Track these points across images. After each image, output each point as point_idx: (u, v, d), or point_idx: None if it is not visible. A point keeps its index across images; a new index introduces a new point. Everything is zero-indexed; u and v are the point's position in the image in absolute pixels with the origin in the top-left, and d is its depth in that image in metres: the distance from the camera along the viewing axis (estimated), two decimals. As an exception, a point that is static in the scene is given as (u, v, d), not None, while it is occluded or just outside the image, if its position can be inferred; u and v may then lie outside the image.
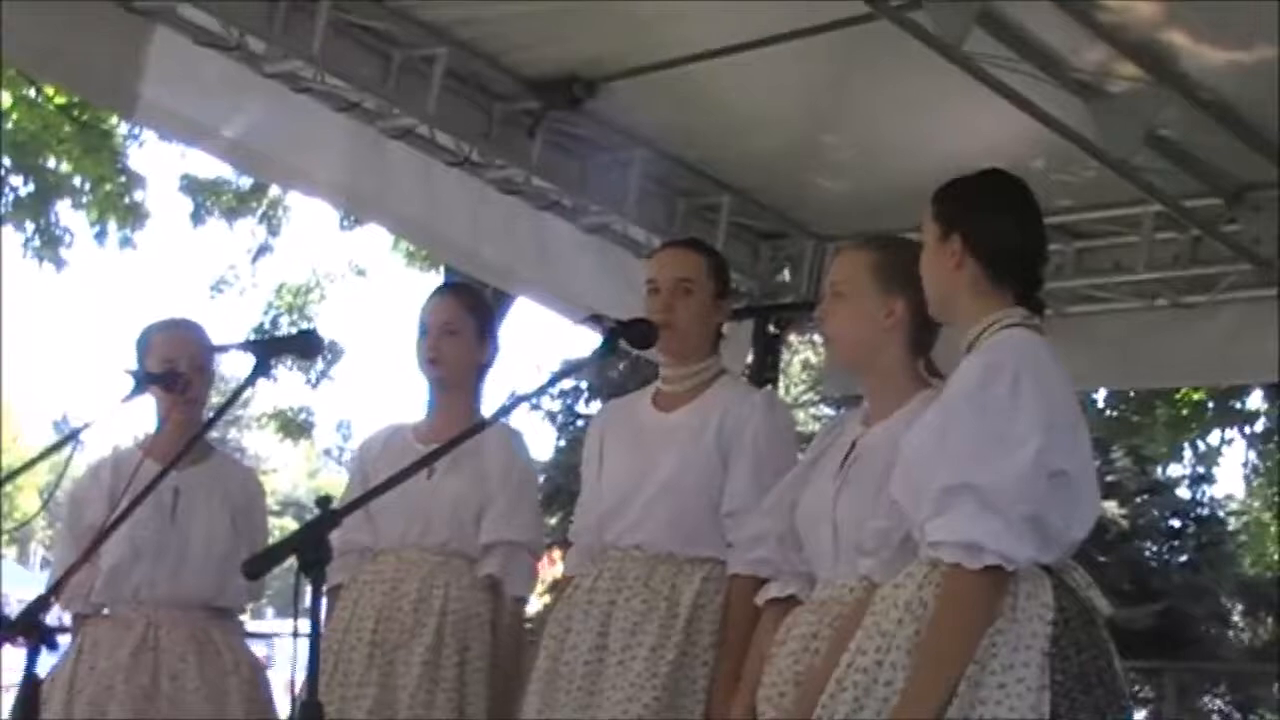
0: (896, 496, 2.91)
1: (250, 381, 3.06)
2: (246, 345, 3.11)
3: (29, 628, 2.68)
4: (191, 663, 4.08)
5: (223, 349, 3.16)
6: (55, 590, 2.99)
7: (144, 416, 4.20)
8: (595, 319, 3.25)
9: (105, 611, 4.16)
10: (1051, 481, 2.72)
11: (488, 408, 4.22)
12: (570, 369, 12.71)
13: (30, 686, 2.66)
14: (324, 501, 2.47)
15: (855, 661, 2.81)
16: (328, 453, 45.48)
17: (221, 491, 4.20)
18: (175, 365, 4.03)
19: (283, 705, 4.29)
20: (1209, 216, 5.35)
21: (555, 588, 6.48)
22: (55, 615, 3.46)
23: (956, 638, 2.67)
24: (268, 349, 3.11)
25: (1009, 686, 2.65)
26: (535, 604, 6.08)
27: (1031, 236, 3.01)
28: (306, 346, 3.34)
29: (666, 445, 3.75)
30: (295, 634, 2.45)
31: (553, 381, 10.54)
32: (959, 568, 2.67)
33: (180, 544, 4.10)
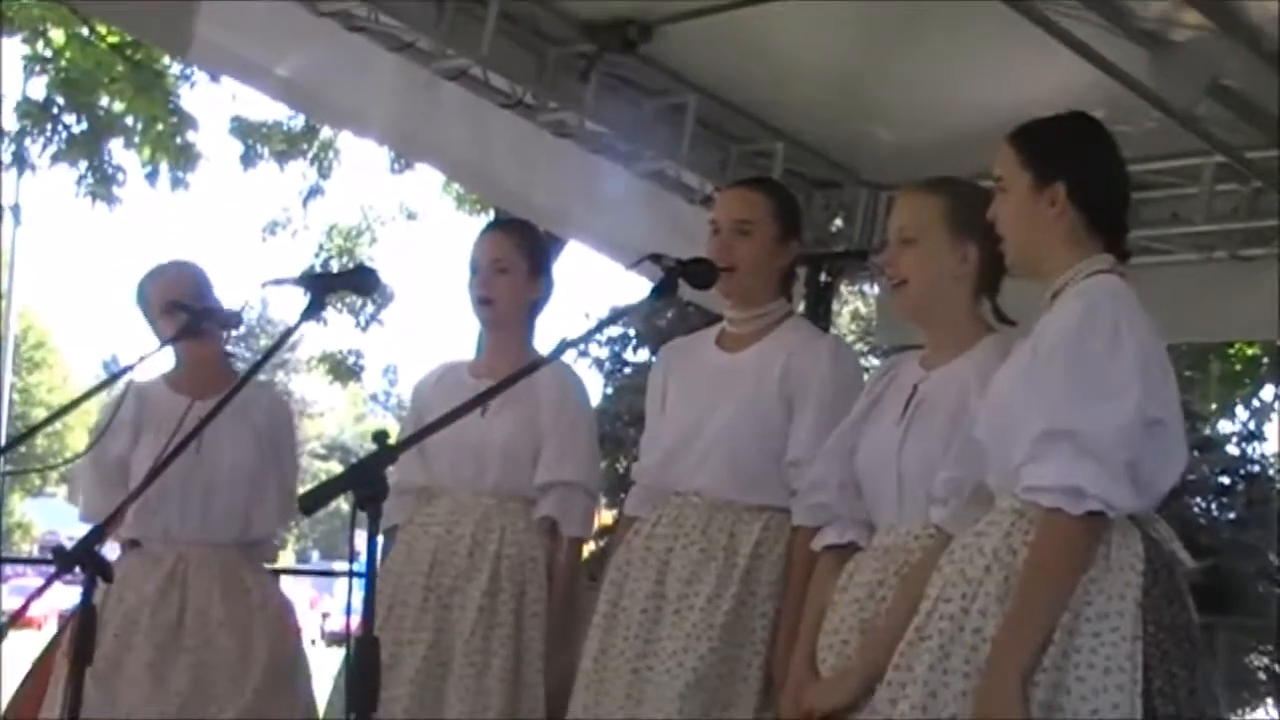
0: (982, 438, 2.88)
1: (306, 316, 3.05)
2: (301, 281, 3.08)
3: (85, 559, 2.70)
4: (217, 598, 4.09)
5: (279, 283, 3.15)
6: (108, 525, 3.00)
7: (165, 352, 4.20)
8: (654, 258, 3.21)
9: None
10: (1148, 430, 2.70)
11: (539, 349, 4.20)
12: (619, 314, 12.65)
13: (87, 617, 2.69)
14: (381, 436, 2.46)
15: (938, 609, 2.78)
16: (374, 398, 45.81)
17: (248, 421, 4.17)
18: (181, 303, 4.03)
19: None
20: (1270, 168, 5.28)
21: (603, 534, 6.49)
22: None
23: (1055, 583, 2.66)
24: (323, 285, 3.09)
25: (1104, 635, 2.64)
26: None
27: (1126, 184, 2.99)
28: (362, 283, 3.30)
29: (728, 387, 3.68)
30: (350, 574, 2.44)
31: (601, 326, 10.55)
32: (1059, 513, 2.66)
33: (207, 476, 4.10)
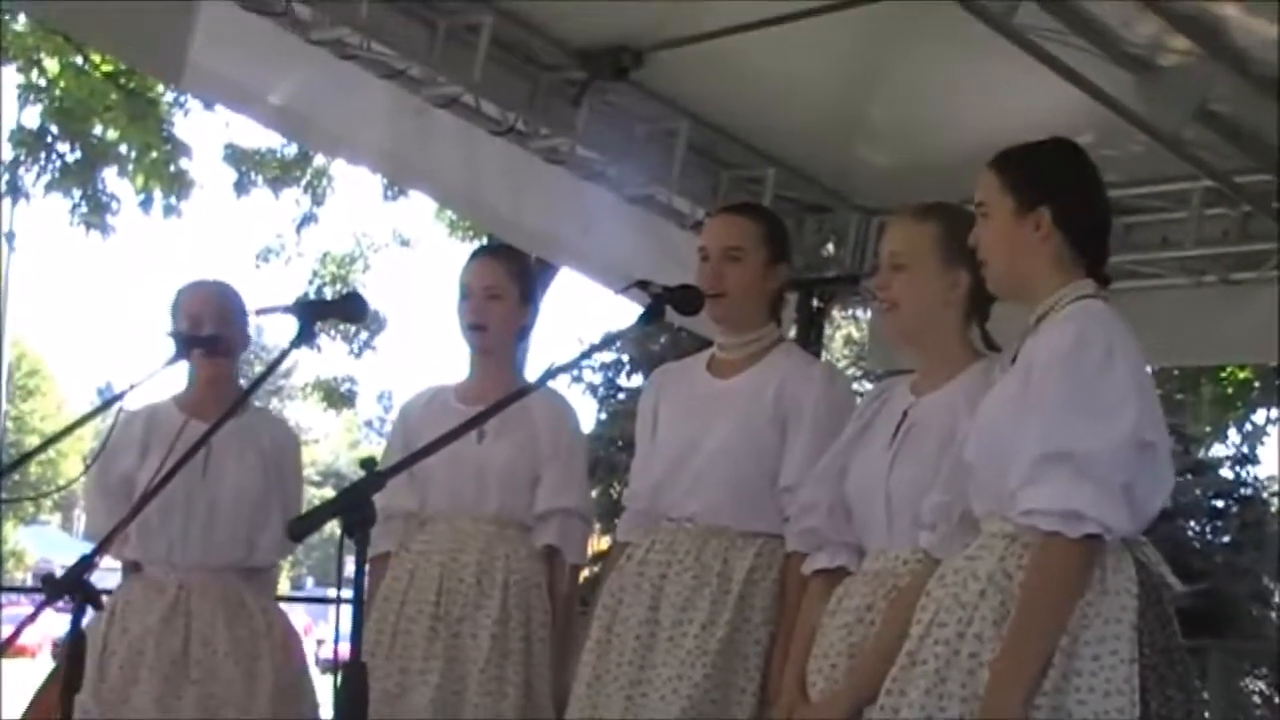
0: (973, 462, 2.88)
1: (296, 343, 3.05)
2: (292, 308, 3.09)
3: (75, 587, 2.69)
4: (221, 626, 4.07)
5: (269, 311, 3.15)
6: (100, 549, 3.00)
7: (178, 373, 4.20)
8: (641, 285, 3.21)
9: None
10: (1141, 452, 2.71)
11: (529, 374, 4.21)
12: (611, 339, 12.61)
13: (76, 644, 2.68)
14: (369, 463, 2.46)
15: (932, 634, 2.79)
16: (369, 424, 45.73)
17: (253, 445, 4.18)
18: (200, 321, 4.05)
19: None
20: (1259, 192, 5.30)
21: (596, 559, 6.48)
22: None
23: (1053, 607, 2.66)
24: (313, 312, 3.10)
25: (1103, 659, 2.65)
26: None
27: (1109, 209, 3.01)
28: (352, 310, 3.31)
29: (721, 412, 3.68)
30: (339, 600, 2.43)
31: (592, 351, 10.50)
32: (1057, 536, 2.66)
33: (211, 499, 4.10)
